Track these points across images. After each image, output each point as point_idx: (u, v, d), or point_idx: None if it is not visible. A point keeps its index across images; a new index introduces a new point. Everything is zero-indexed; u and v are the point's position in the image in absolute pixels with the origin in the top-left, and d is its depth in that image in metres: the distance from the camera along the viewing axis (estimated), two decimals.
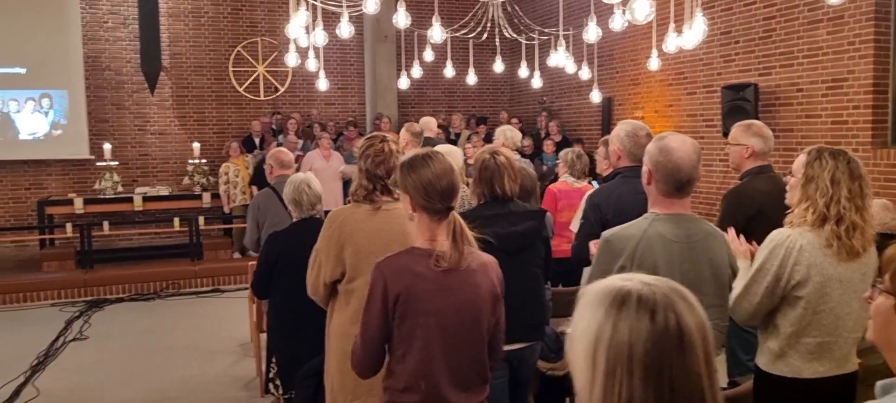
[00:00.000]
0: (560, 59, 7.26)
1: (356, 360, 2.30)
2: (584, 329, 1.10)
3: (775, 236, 2.49)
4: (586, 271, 3.61)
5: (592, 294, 1.12)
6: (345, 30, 5.17)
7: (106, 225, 9.26)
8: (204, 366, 5.94)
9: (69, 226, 9.15)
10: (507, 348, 3.08)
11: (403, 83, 8.45)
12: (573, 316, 1.15)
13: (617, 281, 1.12)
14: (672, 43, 5.64)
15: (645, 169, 2.42)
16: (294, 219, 3.83)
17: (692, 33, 5.59)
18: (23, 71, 9.99)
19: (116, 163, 9.94)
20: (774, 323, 2.53)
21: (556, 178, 5.74)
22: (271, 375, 3.89)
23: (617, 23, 5.44)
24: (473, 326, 2.25)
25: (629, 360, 1.05)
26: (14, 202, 10.45)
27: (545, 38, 7.79)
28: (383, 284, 2.18)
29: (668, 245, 2.35)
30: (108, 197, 9.69)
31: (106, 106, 10.77)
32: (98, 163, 10.06)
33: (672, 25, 5.63)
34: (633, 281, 1.11)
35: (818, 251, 2.41)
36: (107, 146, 9.92)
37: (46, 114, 10.24)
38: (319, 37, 5.36)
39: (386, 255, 2.29)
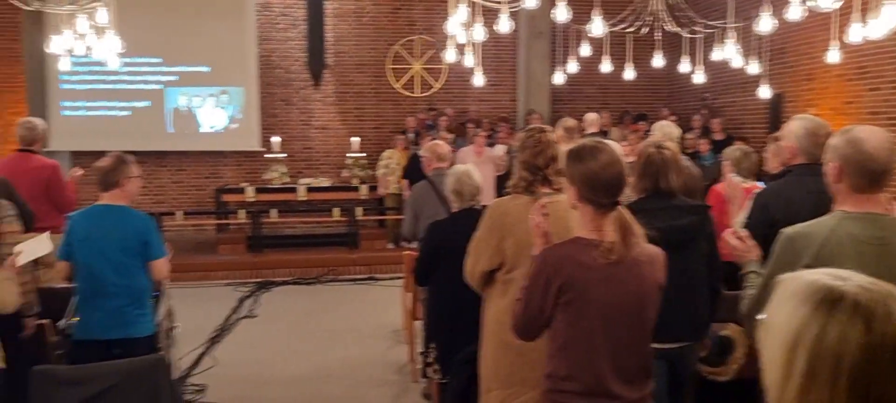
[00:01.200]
0: (728, 52, 6.89)
1: (516, 322, 2.32)
2: (784, 322, 1.03)
3: None
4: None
5: (797, 285, 1.05)
6: (504, 25, 5.21)
7: (274, 212, 9.94)
8: (360, 349, 6.23)
9: (242, 213, 9.92)
10: (665, 346, 2.99)
11: (558, 78, 8.38)
12: (771, 304, 1.09)
13: (827, 278, 1.04)
14: (857, 33, 5.19)
15: (831, 166, 2.23)
16: (454, 209, 3.91)
17: (880, 22, 5.12)
18: (207, 69, 10.92)
19: (284, 155, 10.65)
20: None
21: (717, 179, 5.46)
22: (430, 360, 4.00)
23: (794, 12, 5.08)
24: (638, 318, 2.20)
25: (835, 368, 0.98)
26: (195, 189, 11.44)
27: (710, 30, 7.43)
28: (547, 273, 2.18)
29: (859, 246, 2.16)
30: (275, 186, 10.42)
31: (275, 102, 11.53)
32: (267, 155, 10.81)
33: (856, 14, 5.18)
34: (848, 281, 1.02)
35: None
36: (275, 139, 10.65)
37: (225, 109, 11.13)
38: (478, 32, 5.44)
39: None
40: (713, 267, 3.24)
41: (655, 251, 2.27)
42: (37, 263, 3.87)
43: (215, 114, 11.11)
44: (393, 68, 11.76)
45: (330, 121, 11.76)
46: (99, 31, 5.81)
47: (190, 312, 7.37)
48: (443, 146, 5.08)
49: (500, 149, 9.57)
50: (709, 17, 7.47)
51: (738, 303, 3.59)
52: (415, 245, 5.34)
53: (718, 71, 9.13)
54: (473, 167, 3.98)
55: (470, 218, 3.67)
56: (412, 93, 11.84)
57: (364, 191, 10.42)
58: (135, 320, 3.58)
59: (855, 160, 2.17)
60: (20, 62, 10.76)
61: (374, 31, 11.72)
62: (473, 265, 3.12)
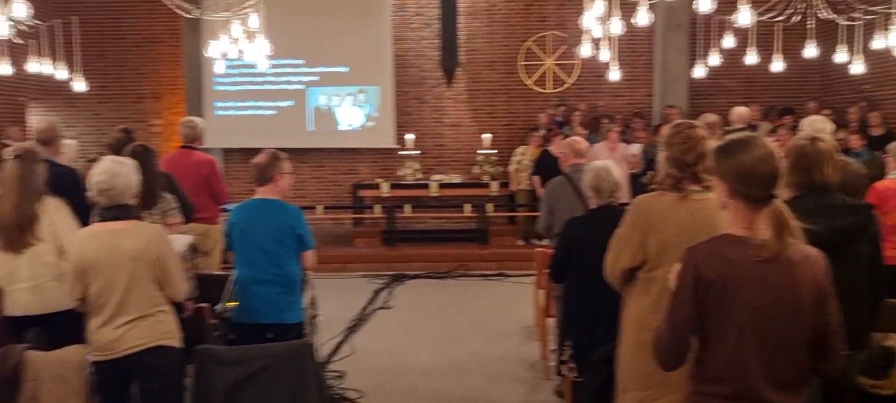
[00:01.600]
0: (892, 40, 6.35)
1: (660, 348, 2.25)
2: None
3: None
4: None
5: None
6: (642, 18, 5.08)
7: (408, 207, 10.21)
8: (491, 344, 6.27)
9: (378, 208, 10.27)
10: None
11: (699, 72, 8.04)
12: None
13: None
14: None
15: None
16: (592, 206, 3.86)
17: None
18: (346, 70, 11.38)
19: (417, 152, 10.91)
20: None
21: (878, 176, 5.04)
22: (564, 358, 3.98)
23: None
24: (791, 321, 2.08)
25: None
26: (333, 185, 11.95)
27: (870, 16, 6.86)
28: (695, 270, 2.10)
29: None
30: (408, 183, 10.70)
31: (409, 100, 11.82)
32: (400, 152, 11.11)
33: None
34: None
35: None
36: (409, 137, 10.93)
37: (362, 107, 11.54)
38: (615, 26, 5.33)
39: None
40: (876, 272, 3.00)
41: (813, 252, 2.13)
42: (195, 252, 4.20)
43: (353, 113, 11.55)
44: (524, 65, 11.74)
45: (461, 119, 11.91)
46: (250, 35, 6.19)
47: (329, 302, 7.67)
48: (581, 142, 5.03)
49: (635, 148, 9.33)
50: (870, 2, 6.90)
51: None
52: (546, 242, 5.32)
53: (879, 60, 8.42)
54: (612, 163, 3.91)
55: (608, 214, 3.61)
56: (544, 89, 11.76)
57: (494, 187, 10.48)
58: (287, 306, 3.83)
59: None
60: (180, 66, 11.68)
61: (505, 28, 11.74)
62: (614, 261, 3.07)
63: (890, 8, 6.39)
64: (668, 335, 2.19)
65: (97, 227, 3.26)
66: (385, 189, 10.52)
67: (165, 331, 3.26)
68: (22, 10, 4.53)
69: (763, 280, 2.05)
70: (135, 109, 11.78)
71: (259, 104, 11.50)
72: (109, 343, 3.18)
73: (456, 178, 11.00)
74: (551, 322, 5.25)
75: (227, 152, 11.54)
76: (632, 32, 8.17)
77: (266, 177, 3.85)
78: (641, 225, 2.94)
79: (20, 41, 5.29)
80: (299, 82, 11.45)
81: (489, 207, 10.26)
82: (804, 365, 2.16)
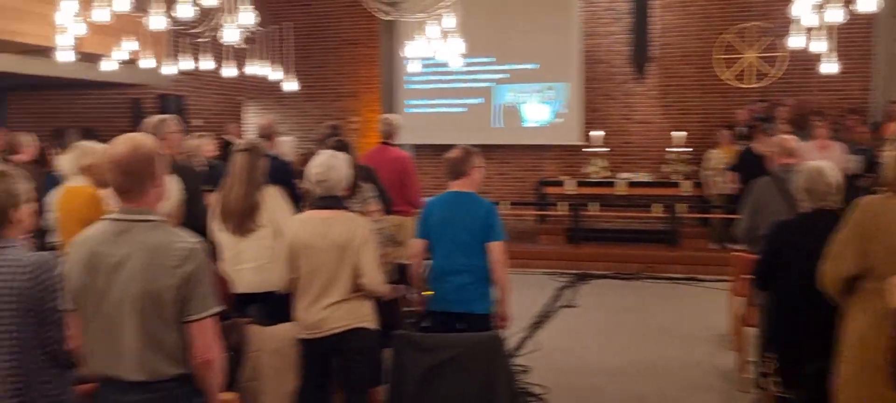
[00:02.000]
0: None
1: None
2: None
3: None
4: None
5: None
6: (868, 3, 4.59)
7: (594, 206, 10.03)
8: (682, 351, 6.01)
9: (563, 205, 10.19)
10: None
11: None
12: None
13: None
14: None
15: None
16: (803, 209, 3.57)
17: None
18: (535, 66, 11.42)
19: (605, 149, 10.69)
20: None
21: None
22: (767, 371, 3.71)
23: None
24: None
25: None
26: (517, 181, 12.03)
27: None
28: None
29: None
30: (594, 180, 10.51)
31: (597, 96, 11.61)
32: (585, 150, 10.95)
33: None
34: None
35: None
36: (597, 133, 10.73)
37: (549, 104, 11.52)
38: (835, 13, 4.87)
39: None
40: None
41: None
42: (392, 242, 4.42)
43: (540, 110, 11.56)
44: (722, 58, 11.08)
45: (651, 115, 11.50)
46: (444, 34, 6.40)
47: (513, 297, 7.81)
48: (792, 140, 4.66)
49: (846, 149, 8.43)
50: None
51: None
52: (741, 246, 4.99)
53: None
54: (829, 164, 3.58)
55: (822, 219, 3.34)
56: (743, 83, 11.04)
57: (686, 187, 10.00)
58: (477, 297, 3.93)
59: None
60: (376, 66, 12.36)
61: (701, 21, 11.16)
62: (832, 270, 2.83)
63: None
64: None
65: (310, 214, 3.55)
66: (570, 186, 10.43)
67: (364, 314, 3.48)
68: (250, 18, 5.03)
69: None
70: (335, 107, 12.62)
71: (448, 102, 11.86)
72: (316, 323, 3.45)
73: (645, 177, 10.64)
74: (750, 331, 4.93)
75: (419, 148, 12.02)
76: (848, 21, 7.44)
77: (460, 170, 3.98)
78: (865, 230, 2.71)
79: (244, 46, 5.86)
80: (488, 80, 11.66)
81: (680, 207, 9.81)
82: None
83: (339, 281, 3.41)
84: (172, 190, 3.16)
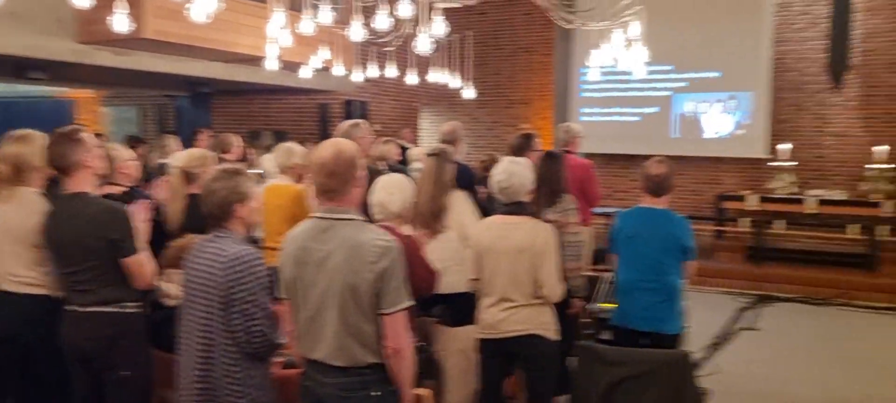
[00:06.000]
0: None
1: None
2: None
3: None
4: None
5: None
6: None
7: (780, 223, 9.38)
8: (880, 387, 5.50)
9: (744, 221, 9.61)
10: None
11: None
12: None
13: None
14: None
15: None
16: None
17: None
18: (717, 75, 10.89)
19: (793, 163, 9.97)
20: None
21: None
22: None
23: None
24: None
25: None
26: (694, 194, 11.51)
27: None
28: None
29: None
30: (780, 197, 9.82)
31: (786, 107, 10.85)
32: (770, 163, 10.26)
33: None
34: None
35: None
36: (784, 146, 10.03)
37: (732, 114, 10.93)
38: None
39: None
40: None
41: None
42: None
43: (721, 120, 11.00)
44: None
45: (849, 128, 10.57)
46: (628, 42, 6.27)
47: (689, 314, 7.50)
48: None
49: None
50: None
51: None
52: None
53: None
54: None
55: None
56: None
57: (888, 207, 9.08)
58: (666, 316, 3.82)
59: None
60: (549, 73, 12.35)
61: None
62: None
63: None
64: None
65: (496, 219, 3.64)
66: (752, 201, 9.81)
67: (543, 322, 3.51)
68: (441, 29, 5.22)
69: None
70: (506, 114, 12.77)
71: (624, 110, 11.60)
72: (495, 323, 3.52)
73: (839, 195, 9.80)
74: None
75: (590, 156, 11.85)
76: None
77: (664, 187, 3.91)
78: None
79: (428, 55, 6.09)
80: (666, 89, 11.26)
81: (881, 230, 8.92)
82: None
83: (520, 285, 3.46)
84: (406, 191, 3.38)
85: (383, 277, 2.39)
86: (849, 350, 6.48)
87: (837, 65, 10.26)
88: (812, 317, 7.67)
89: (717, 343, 6.47)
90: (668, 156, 10.89)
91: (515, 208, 3.56)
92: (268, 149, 8.04)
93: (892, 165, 9.44)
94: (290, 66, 8.03)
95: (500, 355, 3.58)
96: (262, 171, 6.35)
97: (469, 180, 4.87)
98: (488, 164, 6.95)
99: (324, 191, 2.50)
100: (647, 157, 4.11)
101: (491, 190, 3.71)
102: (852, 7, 10.08)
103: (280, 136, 9.63)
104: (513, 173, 3.57)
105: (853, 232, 9.19)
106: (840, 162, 10.60)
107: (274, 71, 7.23)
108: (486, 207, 4.78)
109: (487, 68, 12.53)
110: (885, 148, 9.55)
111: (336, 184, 2.46)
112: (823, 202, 9.49)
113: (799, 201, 9.63)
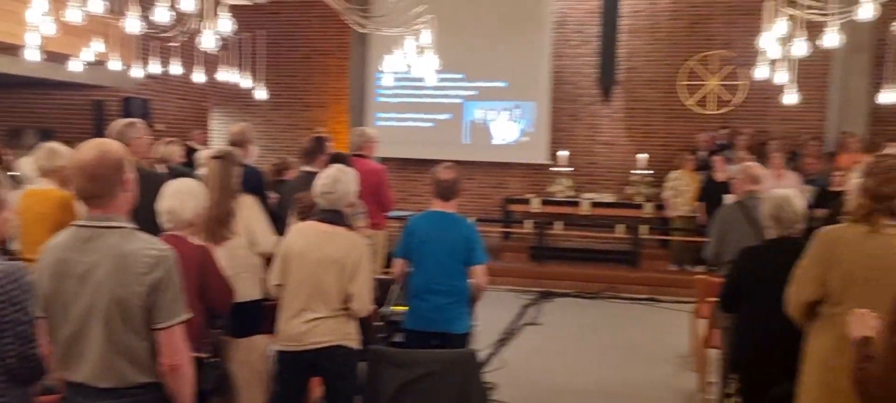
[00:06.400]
0: None
1: (874, 380, 2.12)
2: None
3: None
4: None
5: None
6: (832, 39, 4.78)
7: (558, 224, 10.15)
8: (644, 371, 6.11)
9: (528, 223, 10.28)
10: None
11: (886, 97, 7.44)
12: None
13: None
14: None
15: None
16: (770, 236, 3.68)
17: None
18: (504, 85, 11.54)
19: (570, 169, 10.84)
20: None
21: None
22: (730, 391, 3.82)
23: None
24: None
25: None
26: (483, 198, 12.10)
27: None
28: None
29: None
30: (559, 200, 10.64)
31: (564, 116, 11.77)
32: (552, 169, 11.08)
33: None
34: None
35: None
36: (563, 153, 10.88)
37: (517, 122, 11.65)
38: (799, 47, 5.06)
39: (883, 296, 2.07)
40: None
41: None
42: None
43: (508, 128, 11.67)
44: (686, 84, 11.36)
45: (616, 137, 11.71)
46: (420, 49, 6.45)
47: (479, 313, 7.84)
48: (757, 168, 4.80)
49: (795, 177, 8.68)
50: None
51: None
52: (701, 269, 5.12)
53: None
54: (795, 192, 3.71)
55: (787, 246, 3.45)
56: (705, 110, 11.33)
57: (648, 209, 10.20)
58: (456, 317, 3.96)
59: None
60: (345, 77, 12.34)
61: (668, 47, 11.43)
62: (796, 294, 2.96)
63: None
64: (883, 373, 2.06)
65: (310, 225, 3.54)
66: (535, 204, 10.54)
67: (347, 332, 3.47)
68: (227, 26, 5.00)
69: None
70: (302, 117, 12.56)
71: (418, 116, 11.89)
72: (298, 336, 3.42)
73: (608, 198, 10.82)
74: (712, 353, 5.05)
75: (385, 161, 12.01)
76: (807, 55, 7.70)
77: (453, 192, 4.03)
78: (825, 258, 2.84)
79: (215, 52, 5.82)
80: (457, 96, 11.73)
81: (642, 229, 9.99)
82: None
83: (326, 296, 3.40)
84: (199, 197, 3.14)
85: (157, 289, 2.23)
86: (616, 338, 7.16)
87: (606, 80, 11.33)
88: (586, 310, 8.38)
89: (504, 340, 6.84)
90: (459, 162, 11.27)
91: (333, 217, 3.49)
92: (30, 149, 7.19)
93: (651, 171, 10.58)
94: (56, 58, 7.25)
95: (301, 367, 3.49)
96: (19, 174, 5.67)
97: (258, 184, 4.70)
98: (280, 168, 6.81)
99: (86, 197, 2.28)
100: (440, 162, 4.23)
101: (314, 193, 3.59)
102: (619, 28, 11.18)
103: (46, 135, 8.68)
104: (338, 180, 3.51)
105: (620, 231, 10.19)
106: (609, 167, 11.71)
107: (36, 62, 6.49)
108: (277, 213, 4.65)
109: (281, 70, 12.23)
110: (646, 155, 10.69)
111: (99, 188, 2.25)
112: (595, 204, 10.45)
113: (576, 204, 10.52)
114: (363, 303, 3.43)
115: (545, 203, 10.58)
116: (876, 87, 9.07)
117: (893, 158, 2.76)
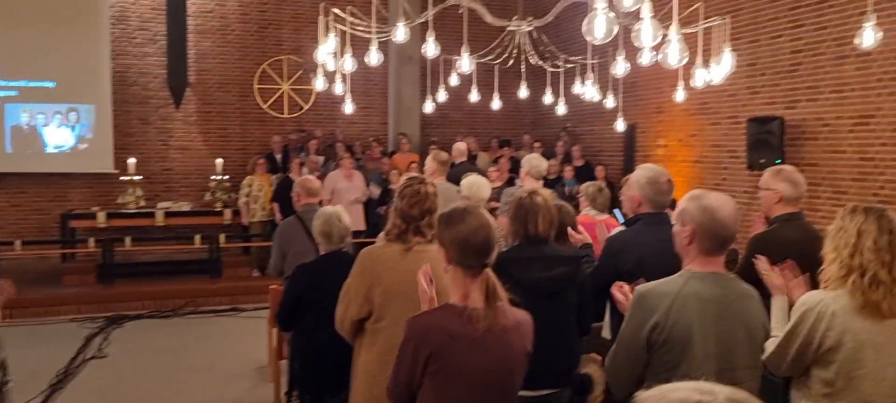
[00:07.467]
0: (587, 90, 7.25)
1: (390, 389, 2.31)
2: None
3: (808, 299, 2.50)
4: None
5: None
6: (373, 58, 5.19)
7: (128, 240, 9.30)
8: (222, 391, 5.92)
9: (92, 241, 9.20)
10: (533, 393, 3.05)
11: (429, 107, 8.45)
12: None
13: (695, 394, 1.02)
14: (700, 78, 5.61)
15: (685, 229, 2.35)
16: (322, 251, 3.81)
17: (720, 69, 5.56)
18: (52, 85, 10.12)
19: (140, 177, 10.03)
20: (807, 384, 2.52)
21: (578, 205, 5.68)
22: None
23: (645, 58, 5.41)
24: (505, 385, 2.22)
25: None
26: (37, 214, 10.55)
27: (571, 65, 7.76)
28: (415, 342, 2.16)
29: (703, 305, 2.30)
30: (130, 211, 9.78)
31: (132, 120, 10.88)
32: (122, 178, 10.14)
33: (700, 60, 5.58)
34: (716, 396, 1.01)
35: (852, 315, 2.39)
36: (131, 160, 10.02)
37: (73, 128, 10.35)
38: (348, 64, 5.38)
39: (418, 309, 2.27)
40: (582, 315, 3.33)
41: (523, 317, 2.30)
42: None
43: (62, 133, 10.30)
44: (260, 88, 11.43)
45: (191, 142, 11.25)
46: None
47: (28, 354, 6.69)
48: (314, 181, 4.96)
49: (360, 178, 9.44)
50: (570, 53, 7.80)
51: (599, 334, 3.74)
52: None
53: (578, 101, 9.59)
54: (343, 209, 3.89)
55: (338, 261, 3.60)
56: (281, 113, 11.56)
57: (228, 215, 9.99)
58: None
59: (708, 227, 2.30)
60: None
61: (239, 50, 11.35)
62: (343, 313, 3.07)
63: (585, 59, 7.30)
64: (394, 384, 2.23)
65: None
66: (101, 218, 9.50)
67: None
68: None
69: (480, 349, 2.15)
70: None
71: None
72: None
73: (185, 206, 10.31)
74: (284, 363, 5.10)
75: None
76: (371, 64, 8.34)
77: None
78: (368, 276, 2.99)
79: None
80: None
81: (222, 237, 9.74)
82: None
83: None
84: None
85: None
86: (193, 358, 6.81)
87: (176, 82, 10.78)
88: (162, 331, 7.82)
89: (58, 384, 5.97)
90: (4, 174, 9.65)
91: None
92: None
93: (228, 176, 10.38)
94: None
95: None
96: None
97: None
98: None
99: None
100: None
101: None
102: (187, 27, 10.71)
103: None
104: None
105: (199, 241, 9.77)
106: (185, 174, 11.19)
107: None
108: None
109: None
110: (221, 160, 10.44)
111: None
112: (171, 214, 9.85)
113: (150, 215, 9.76)
114: None
115: (113, 216, 9.61)
116: (424, 95, 10.30)
117: (419, 183, 3.03)
